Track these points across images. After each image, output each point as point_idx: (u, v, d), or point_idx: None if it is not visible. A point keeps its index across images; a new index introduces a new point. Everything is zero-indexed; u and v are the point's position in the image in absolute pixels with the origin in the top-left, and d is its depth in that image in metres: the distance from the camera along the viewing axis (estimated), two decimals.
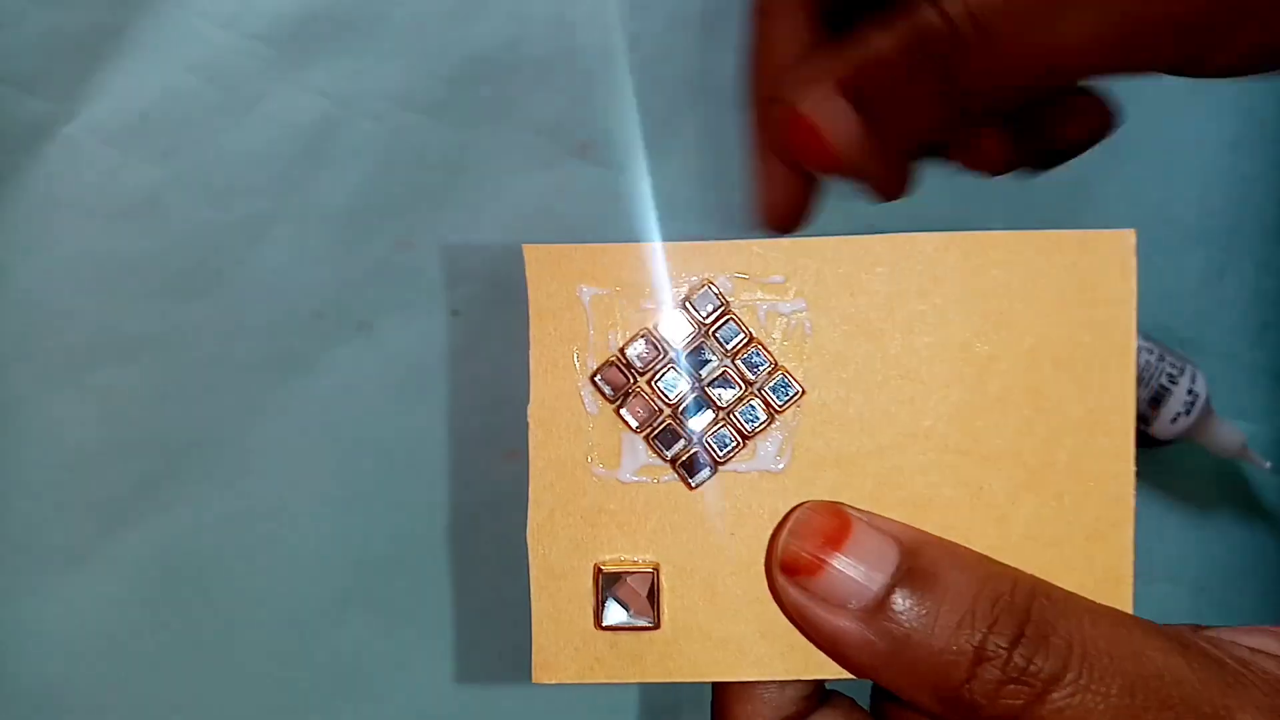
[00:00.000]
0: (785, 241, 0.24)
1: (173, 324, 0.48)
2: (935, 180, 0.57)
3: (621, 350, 0.24)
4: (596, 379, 0.24)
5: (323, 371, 0.50)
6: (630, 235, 0.53)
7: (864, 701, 0.26)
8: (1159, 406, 0.51)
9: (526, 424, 0.24)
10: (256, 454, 0.49)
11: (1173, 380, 0.50)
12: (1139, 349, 0.49)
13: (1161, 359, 0.51)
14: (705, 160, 0.54)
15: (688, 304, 0.24)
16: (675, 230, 0.53)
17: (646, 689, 0.50)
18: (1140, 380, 0.50)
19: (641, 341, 0.24)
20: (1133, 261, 0.24)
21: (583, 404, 0.24)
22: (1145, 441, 0.52)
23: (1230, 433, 0.52)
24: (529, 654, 0.24)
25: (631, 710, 0.50)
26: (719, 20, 0.54)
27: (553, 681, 0.24)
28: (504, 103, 0.51)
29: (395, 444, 0.50)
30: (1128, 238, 0.24)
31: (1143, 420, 0.51)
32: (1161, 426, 0.51)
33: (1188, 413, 0.50)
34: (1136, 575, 0.24)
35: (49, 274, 0.48)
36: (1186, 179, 0.59)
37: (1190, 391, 0.50)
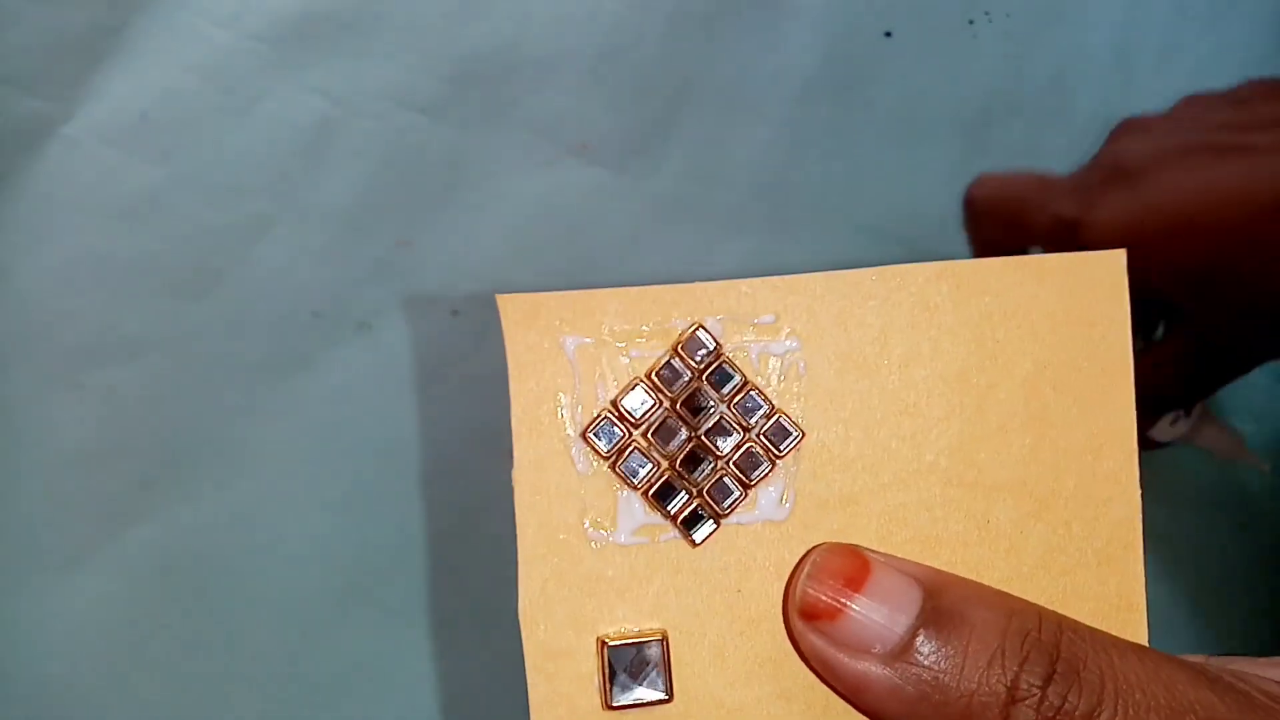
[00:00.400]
0: (774, 280, 0.23)
1: (173, 324, 0.48)
2: (937, 181, 0.57)
3: (614, 402, 0.23)
4: (589, 434, 0.22)
5: (323, 371, 0.50)
6: (629, 235, 0.53)
7: None
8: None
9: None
10: (256, 454, 0.49)
11: None
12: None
13: None
14: (705, 160, 0.53)
15: (679, 350, 0.23)
16: (675, 231, 0.53)
17: None
18: None
19: (637, 391, 0.23)
20: (1124, 281, 0.23)
21: (573, 463, 0.23)
22: (1143, 444, 0.52)
23: (1229, 435, 0.52)
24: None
25: None
26: (719, 20, 0.54)
27: None
28: (504, 103, 0.51)
29: (395, 444, 0.50)
30: (1117, 258, 0.23)
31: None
32: (1160, 429, 0.51)
33: (1186, 415, 0.50)
34: None
35: (48, 274, 0.48)
36: None
37: None
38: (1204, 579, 0.55)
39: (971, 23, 0.55)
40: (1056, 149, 0.57)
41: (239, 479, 0.49)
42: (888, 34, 0.54)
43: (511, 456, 0.23)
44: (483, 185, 0.51)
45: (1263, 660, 0.23)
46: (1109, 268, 0.23)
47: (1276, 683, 0.22)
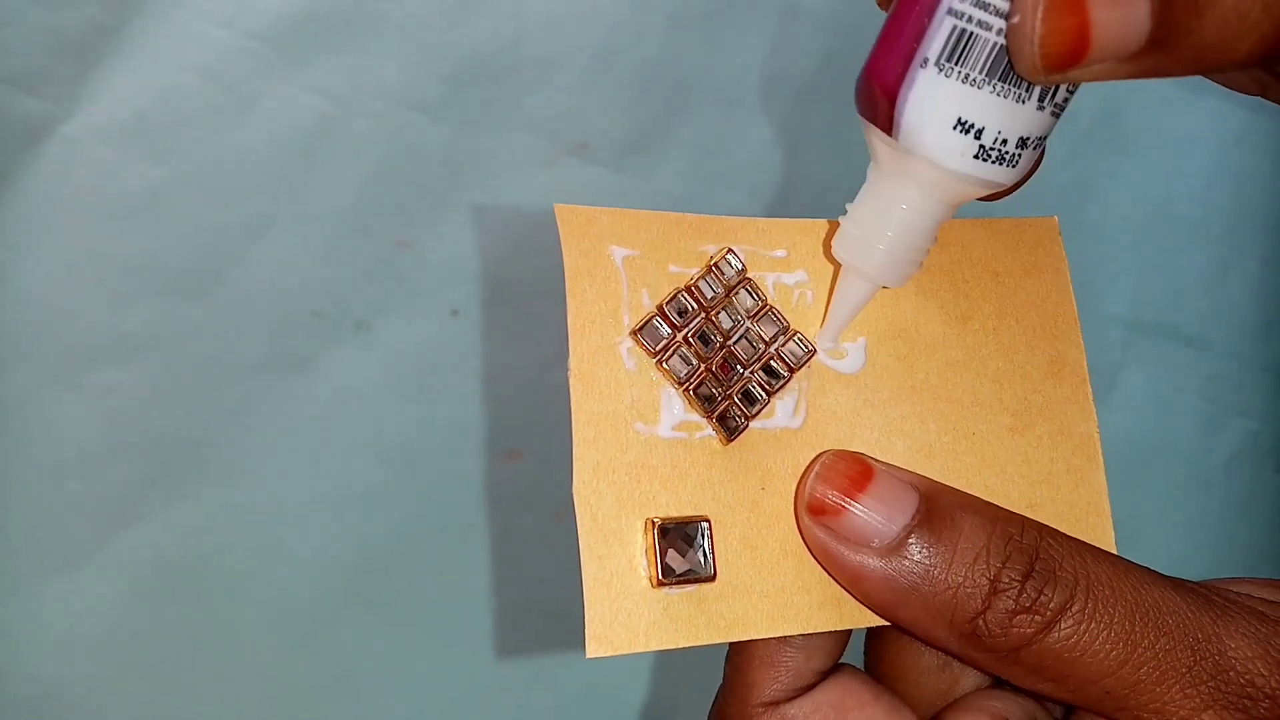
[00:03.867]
0: (785, 221, 0.26)
1: (173, 324, 0.48)
2: None
3: (661, 306, 0.24)
4: (639, 333, 0.24)
5: (322, 371, 0.50)
6: None
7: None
8: None
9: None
10: (256, 454, 0.49)
11: None
12: None
13: None
14: (704, 160, 0.53)
15: (713, 268, 0.25)
16: None
17: (651, 687, 0.50)
18: None
19: (679, 299, 0.25)
20: (1059, 239, 0.28)
21: (621, 360, 0.24)
22: None
23: None
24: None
25: (632, 710, 0.50)
26: (719, 20, 0.54)
27: (608, 654, 0.23)
28: (503, 102, 0.51)
29: (395, 444, 0.50)
30: (1052, 223, 0.28)
31: None
32: None
33: None
34: None
35: (49, 274, 0.48)
36: (1190, 175, 0.59)
37: None
38: (1207, 577, 0.55)
39: None
40: (1057, 146, 0.57)
41: (239, 479, 0.49)
42: None
43: (568, 354, 0.24)
44: (483, 185, 0.51)
45: (1228, 579, 0.25)
46: (1046, 228, 0.28)
47: (1235, 591, 0.24)
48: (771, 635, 0.24)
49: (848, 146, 0.54)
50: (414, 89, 0.50)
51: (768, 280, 0.26)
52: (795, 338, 0.25)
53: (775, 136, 0.54)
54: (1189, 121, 0.59)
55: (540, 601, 0.49)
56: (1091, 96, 0.57)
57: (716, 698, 0.26)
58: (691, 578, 0.24)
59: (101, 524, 0.48)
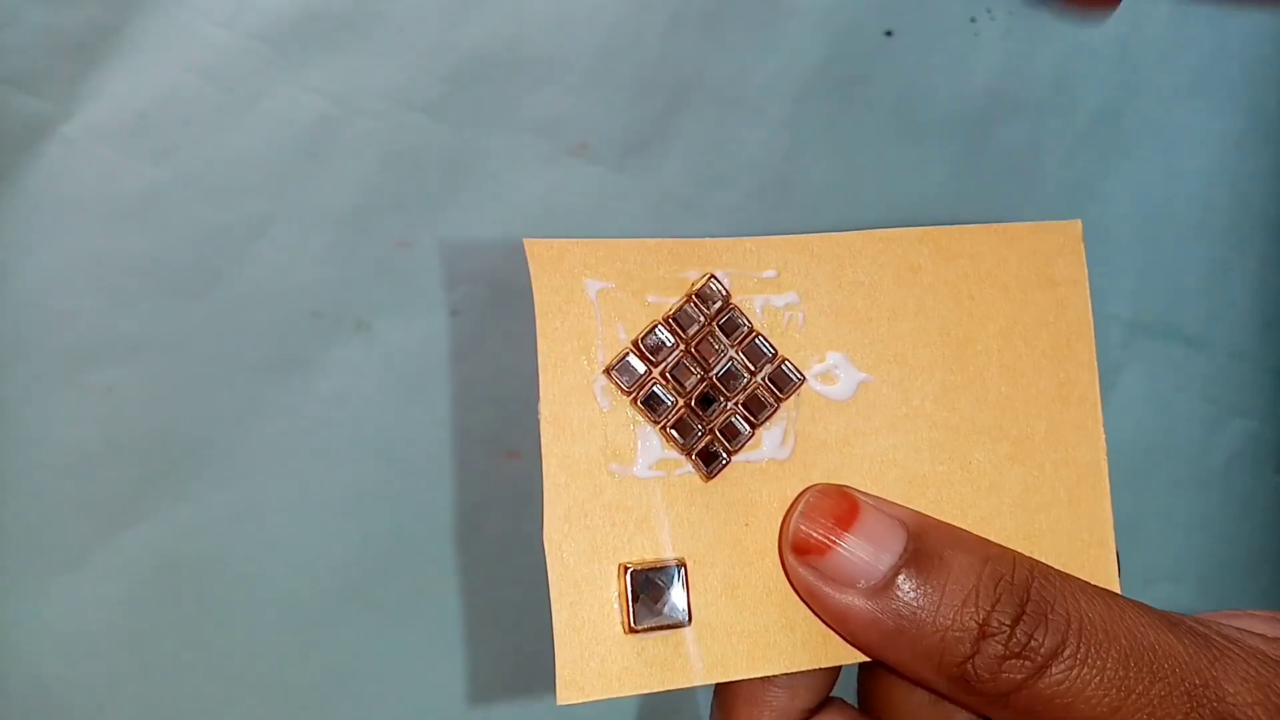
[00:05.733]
0: (776, 239, 0.25)
1: (172, 324, 0.48)
2: (937, 181, 0.58)
3: (636, 341, 0.24)
4: (613, 371, 0.23)
5: (322, 371, 0.50)
6: (628, 234, 0.53)
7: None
8: None
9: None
10: (256, 454, 0.49)
11: None
12: None
13: None
14: (704, 160, 0.53)
15: (693, 297, 0.24)
16: (674, 230, 0.53)
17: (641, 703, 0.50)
18: None
19: (656, 333, 0.24)
20: (1081, 247, 0.26)
21: (595, 399, 0.23)
22: None
23: None
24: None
25: (631, 709, 0.50)
26: (719, 20, 0.54)
27: (580, 701, 0.23)
28: (503, 102, 0.51)
29: (395, 444, 0.50)
30: (1075, 227, 0.26)
31: None
32: None
33: None
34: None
35: (48, 274, 0.48)
36: (1190, 175, 0.59)
37: None
38: (1207, 576, 0.55)
39: (973, 20, 0.55)
40: (1057, 148, 0.57)
41: (239, 479, 0.49)
42: (888, 33, 0.54)
43: (538, 394, 0.24)
44: (482, 185, 0.51)
45: (1229, 613, 0.24)
46: (1068, 234, 0.26)
47: (1236, 628, 0.23)
48: (753, 676, 0.24)
49: (848, 146, 0.54)
50: (414, 89, 0.50)
51: (755, 303, 0.25)
52: (783, 364, 0.24)
53: (775, 136, 0.54)
54: (1189, 121, 0.59)
55: (540, 601, 0.49)
56: (1092, 96, 0.57)
57: None
58: (665, 624, 0.23)
59: (101, 524, 0.48)
